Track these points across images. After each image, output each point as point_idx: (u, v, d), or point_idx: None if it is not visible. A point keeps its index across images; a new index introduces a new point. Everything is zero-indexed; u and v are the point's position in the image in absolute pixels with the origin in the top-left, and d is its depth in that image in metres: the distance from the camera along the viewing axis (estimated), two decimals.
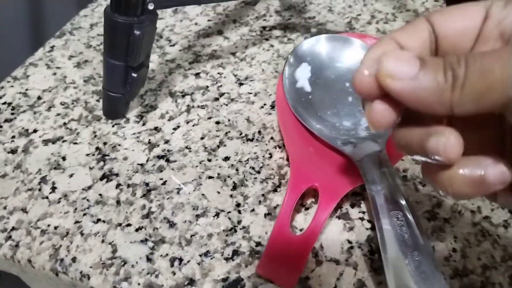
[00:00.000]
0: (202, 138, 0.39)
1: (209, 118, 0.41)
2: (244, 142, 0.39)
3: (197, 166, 0.37)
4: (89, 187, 0.36)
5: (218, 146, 0.38)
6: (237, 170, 0.36)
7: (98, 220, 0.33)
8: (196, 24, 0.53)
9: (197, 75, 0.46)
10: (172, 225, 0.33)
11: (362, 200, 0.34)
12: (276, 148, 0.38)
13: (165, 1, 0.37)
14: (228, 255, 0.31)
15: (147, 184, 0.35)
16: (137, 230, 0.33)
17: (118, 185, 0.36)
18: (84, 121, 0.41)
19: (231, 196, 0.35)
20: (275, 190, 0.35)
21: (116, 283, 0.30)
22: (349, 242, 0.32)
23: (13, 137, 0.40)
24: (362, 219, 0.33)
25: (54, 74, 0.47)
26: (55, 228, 0.33)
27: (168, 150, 0.38)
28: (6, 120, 0.42)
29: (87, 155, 0.38)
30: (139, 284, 0.30)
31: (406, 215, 0.29)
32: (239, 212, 0.33)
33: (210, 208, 0.34)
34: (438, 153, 0.18)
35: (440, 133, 0.18)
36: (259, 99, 0.43)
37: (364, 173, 0.32)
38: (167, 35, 0.52)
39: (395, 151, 0.33)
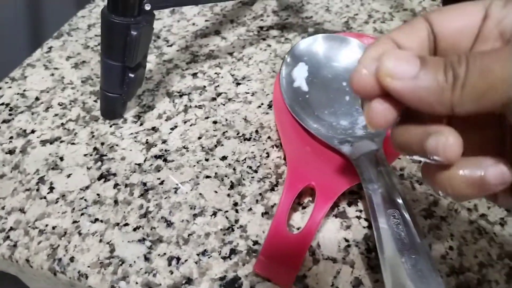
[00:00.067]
0: (199, 138, 0.39)
1: (207, 118, 0.41)
2: (241, 142, 0.39)
3: (194, 165, 0.37)
4: (87, 187, 0.36)
5: (216, 146, 0.38)
6: (234, 169, 0.36)
7: (96, 219, 0.33)
8: (193, 24, 0.54)
9: (194, 75, 0.46)
10: (169, 224, 0.33)
11: (359, 198, 0.34)
12: (273, 148, 0.38)
13: (162, 2, 0.37)
14: (226, 254, 0.31)
15: (144, 184, 0.36)
16: (134, 229, 0.33)
17: (115, 185, 0.36)
18: (82, 122, 0.41)
19: (228, 195, 0.35)
20: (272, 189, 0.35)
21: (114, 282, 0.30)
22: (346, 240, 0.32)
23: (11, 137, 0.40)
24: (359, 217, 0.33)
25: (52, 74, 0.47)
26: (53, 228, 0.33)
27: (165, 150, 0.38)
28: (4, 121, 0.42)
29: (85, 155, 0.38)
30: (137, 283, 0.30)
31: (403, 214, 0.30)
32: (237, 211, 0.34)
33: (208, 207, 0.34)
34: (437, 153, 0.17)
35: (440, 132, 0.17)
36: (256, 98, 0.43)
37: (361, 172, 0.33)
38: (164, 35, 0.52)
39: (392, 150, 0.34)
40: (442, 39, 0.20)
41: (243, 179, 0.36)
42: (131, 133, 0.40)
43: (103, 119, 0.41)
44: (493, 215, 0.33)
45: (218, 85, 0.45)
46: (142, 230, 0.33)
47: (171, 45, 0.50)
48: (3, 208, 0.34)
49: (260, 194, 0.35)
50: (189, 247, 0.31)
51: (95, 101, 0.43)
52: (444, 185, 0.19)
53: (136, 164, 0.37)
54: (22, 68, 0.48)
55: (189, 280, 0.30)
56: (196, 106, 0.42)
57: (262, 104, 0.42)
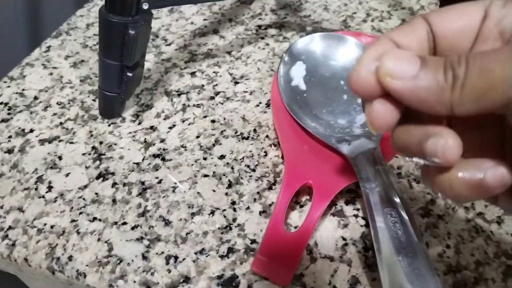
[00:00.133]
0: (197, 137, 0.39)
1: (205, 117, 0.41)
2: (239, 141, 0.39)
3: (192, 164, 0.37)
4: (85, 186, 0.36)
5: (214, 145, 0.39)
6: (232, 168, 0.37)
7: (94, 218, 0.33)
8: (192, 23, 0.54)
9: (192, 74, 0.46)
10: (167, 223, 0.33)
11: (357, 197, 0.34)
12: (271, 146, 0.38)
13: (160, 1, 0.37)
14: (223, 252, 0.31)
15: (142, 183, 0.36)
16: (133, 228, 0.33)
17: (114, 184, 0.36)
18: (80, 121, 0.41)
19: (226, 194, 0.35)
20: (270, 188, 0.35)
21: (112, 281, 0.30)
22: (344, 239, 0.32)
23: (10, 137, 0.40)
24: (356, 216, 0.33)
25: (51, 74, 0.47)
26: (52, 227, 0.33)
27: (163, 149, 0.38)
28: (3, 120, 0.42)
29: (83, 154, 0.38)
30: (134, 282, 0.30)
31: (400, 213, 0.30)
32: (234, 210, 0.34)
33: (206, 206, 0.34)
34: (436, 155, 0.17)
35: (439, 134, 0.17)
36: (255, 97, 0.43)
37: (358, 170, 0.33)
38: (163, 34, 0.52)
39: (389, 149, 0.34)
40: (441, 39, 0.20)
41: (241, 178, 0.36)
42: (130, 132, 0.40)
43: (102, 118, 0.41)
44: (490, 213, 0.33)
45: (217, 84, 0.45)
46: (140, 229, 0.33)
47: (169, 44, 0.50)
48: (1, 207, 0.35)
49: (258, 193, 0.35)
50: (187, 245, 0.32)
51: (94, 100, 0.43)
52: (443, 187, 0.19)
53: (134, 163, 0.37)
54: (21, 68, 0.48)
55: (187, 279, 0.30)
56: (194, 105, 0.42)
57: (260, 103, 0.42)
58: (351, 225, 0.33)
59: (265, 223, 0.33)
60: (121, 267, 0.31)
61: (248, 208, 0.34)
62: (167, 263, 0.31)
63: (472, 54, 0.17)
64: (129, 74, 0.37)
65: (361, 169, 0.33)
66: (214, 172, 0.36)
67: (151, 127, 0.40)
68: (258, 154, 0.38)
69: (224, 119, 0.41)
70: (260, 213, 0.33)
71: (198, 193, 0.35)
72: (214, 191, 0.35)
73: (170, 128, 0.40)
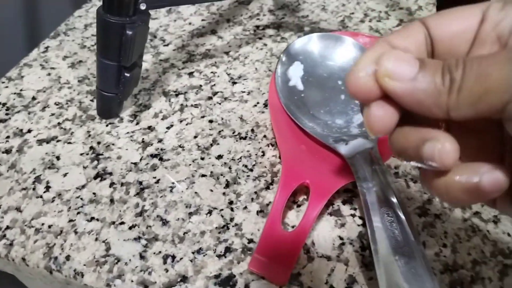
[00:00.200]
0: (195, 137, 0.39)
1: (203, 117, 0.41)
2: (237, 141, 0.39)
3: (190, 164, 0.37)
4: (83, 186, 0.36)
5: (211, 145, 0.39)
6: (230, 168, 0.37)
7: (92, 218, 0.34)
8: (190, 23, 0.54)
9: (190, 74, 0.46)
10: (165, 223, 0.33)
11: (354, 197, 0.34)
12: (268, 146, 0.38)
13: (157, 1, 0.37)
14: (221, 252, 0.31)
15: (140, 183, 0.36)
16: (130, 228, 0.33)
17: (111, 184, 0.36)
18: (78, 121, 0.41)
19: (223, 194, 0.35)
20: (267, 188, 0.35)
21: (109, 280, 0.30)
22: (341, 238, 0.32)
23: (8, 137, 0.40)
24: (353, 215, 0.33)
25: (49, 74, 0.47)
26: (49, 226, 0.33)
27: (161, 149, 0.38)
28: (1, 121, 0.42)
29: (81, 154, 0.38)
30: (132, 281, 0.30)
31: (397, 212, 0.30)
32: (232, 209, 0.34)
33: (203, 206, 0.34)
34: (433, 159, 0.17)
35: (436, 138, 0.17)
36: (252, 97, 0.43)
37: (355, 170, 0.33)
38: (161, 34, 0.52)
39: (386, 148, 0.34)
40: (439, 43, 0.20)
41: (239, 178, 0.36)
42: (127, 132, 0.40)
43: (100, 119, 0.41)
44: (487, 213, 0.33)
45: (214, 84, 0.45)
46: (138, 229, 0.33)
47: (167, 45, 0.50)
48: None
49: (255, 192, 0.35)
50: (185, 245, 0.32)
51: (92, 100, 0.43)
52: (440, 191, 0.19)
53: (132, 163, 0.37)
54: (19, 68, 0.48)
55: (184, 278, 0.30)
56: (192, 105, 0.42)
57: (258, 103, 0.42)
58: (348, 224, 0.33)
59: (263, 222, 0.33)
60: (118, 266, 0.31)
61: (245, 207, 0.34)
62: (165, 263, 0.31)
63: (470, 58, 0.17)
64: (127, 75, 0.37)
65: (358, 169, 0.33)
66: (211, 172, 0.36)
67: (149, 127, 0.40)
68: (256, 154, 0.38)
69: (222, 119, 0.41)
70: (258, 212, 0.33)
71: (195, 193, 0.35)
72: (211, 191, 0.35)
73: (168, 128, 0.40)
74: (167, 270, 0.30)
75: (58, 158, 0.38)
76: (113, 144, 0.39)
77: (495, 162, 0.18)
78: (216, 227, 0.33)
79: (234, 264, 0.30)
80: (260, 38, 0.51)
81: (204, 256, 0.31)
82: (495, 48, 0.19)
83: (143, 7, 0.35)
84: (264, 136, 0.39)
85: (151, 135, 0.40)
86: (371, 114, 0.18)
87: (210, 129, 0.40)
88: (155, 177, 0.36)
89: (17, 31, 0.70)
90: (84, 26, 0.54)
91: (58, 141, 0.40)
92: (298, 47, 0.42)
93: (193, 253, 0.31)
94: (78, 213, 0.34)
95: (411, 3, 0.55)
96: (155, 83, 0.45)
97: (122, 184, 0.36)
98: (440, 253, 0.31)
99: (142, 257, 0.31)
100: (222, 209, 0.34)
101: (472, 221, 0.32)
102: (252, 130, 0.40)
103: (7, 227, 0.33)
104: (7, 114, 0.42)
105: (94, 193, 0.35)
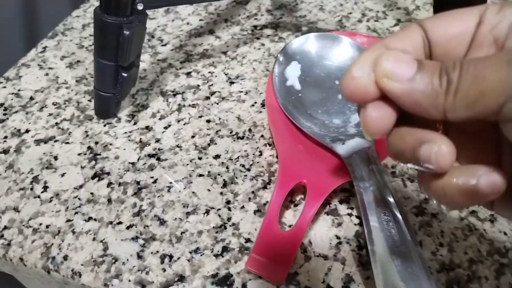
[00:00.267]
0: (193, 137, 0.39)
1: (200, 116, 0.41)
2: (234, 140, 0.39)
3: (187, 164, 0.37)
4: (81, 186, 0.36)
5: (209, 145, 0.39)
6: (227, 168, 0.37)
7: (90, 218, 0.34)
8: (187, 23, 0.54)
9: (188, 74, 0.46)
10: (162, 222, 0.33)
11: (351, 196, 0.34)
12: (266, 146, 0.38)
13: (155, 1, 0.37)
14: (218, 251, 0.31)
15: (138, 183, 0.36)
16: (128, 227, 0.33)
17: (109, 184, 0.36)
18: (76, 121, 0.41)
19: (221, 193, 0.35)
20: (264, 187, 0.35)
21: (107, 280, 0.30)
22: (338, 237, 0.32)
23: (5, 137, 0.40)
24: (350, 215, 0.33)
25: (47, 74, 0.47)
26: (47, 226, 0.33)
27: (159, 149, 0.38)
28: None
29: (79, 154, 0.38)
30: (129, 281, 0.30)
31: (394, 212, 0.30)
32: (229, 209, 0.34)
33: (200, 205, 0.34)
34: (430, 161, 0.17)
35: (432, 141, 0.17)
36: (250, 97, 0.43)
37: (352, 170, 0.33)
38: (158, 34, 0.52)
39: (383, 148, 0.34)
40: (436, 46, 0.20)
41: (236, 178, 0.36)
42: (125, 132, 0.40)
43: (97, 119, 0.41)
44: (483, 212, 0.33)
45: (212, 84, 0.45)
46: (135, 229, 0.33)
47: (165, 45, 0.50)
48: None
49: (253, 192, 0.35)
50: (182, 245, 0.32)
51: (90, 100, 0.43)
52: (438, 193, 0.19)
53: (129, 163, 0.37)
54: (17, 68, 0.48)
55: (181, 278, 0.30)
56: (189, 105, 0.42)
57: (255, 103, 0.42)
58: (345, 224, 0.33)
59: (260, 222, 0.33)
60: (116, 266, 0.31)
61: (242, 207, 0.34)
62: (162, 262, 0.31)
63: (466, 60, 0.17)
64: (124, 75, 0.37)
65: (355, 169, 0.33)
66: (209, 172, 0.36)
67: (147, 127, 0.41)
68: (253, 154, 0.38)
69: (220, 119, 0.41)
70: (255, 212, 0.34)
71: (193, 192, 0.35)
72: (209, 190, 0.35)
73: (166, 128, 0.40)
74: (164, 270, 0.30)
75: (56, 158, 0.38)
76: (110, 144, 0.39)
77: (493, 164, 0.18)
78: (213, 227, 0.33)
79: (231, 264, 0.31)
80: (258, 38, 0.51)
81: (201, 255, 0.31)
82: (492, 51, 0.19)
83: (140, 7, 0.35)
84: (262, 136, 0.39)
85: (149, 135, 0.40)
86: (367, 115, 0.18)
87: (207, 129, 0.40)
88: (152, 177, 0.36)
89: (15, 31, 0.70)
90: (82, 26, 0.54)
91: (56, 141, 0.40)
92: (295, 47, 0.42)
93: (190, 252, 0.31)
94: (76, 213, 0.34)
95: (408, 3, 0.55)
96: (152, 83, 0.45)
97: (119, 184, 0.36)
98: (436, 252, 0.31)
99: (139, 256, 0.31)
100: (219, 209, 0.34)
101: (469, 220, 0.33)
102: (250, 130, 0.40)
103: (5, 227, 0.33)
104: (5, 114, 0.42)
105: (91, 193, 0.35)
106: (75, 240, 0.32)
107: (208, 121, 0.41)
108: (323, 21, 0.53)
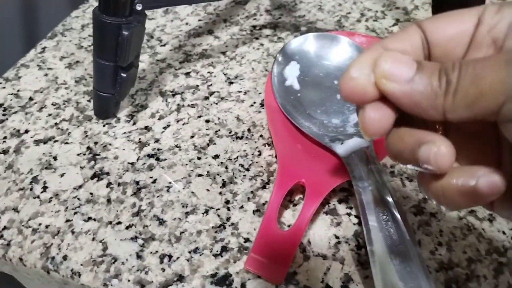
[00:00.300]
0: (192, 137, 0.39)
1: (199, 116, 0.41)
2: (233, 140, 0.39)
3: (187, 164, 0.37)
4: (80, 186, 0.36)
5: (208, 145, 0.39)
6: (226, 167, 0.37)
7: (89, 218, 0.34)
8: (186, 24, 0.54)
9: (187, 74, 0.46)
10: (161, 222, 0.33)
11: (350, 196, 0.35)
12: (265, 146, 0.38)
13: (153, 2, 0.37)
14: (217, 251, 0.31)
15: (137, 183, 0.36)
16: (127, 227, 0.33)
17: (108, 184, 0.36)
18: (75, 121, 0.41)
19: (220, 193, 0.35)
20: (264, 187, 0.35)
21: (106, 280, 0.30)
22: (336, 237, 0.32)
23: (5, 137, 0.40)
24: (349, 214, 0.33)
25: (46, 75, 0.47)
26: (46, 227, 0.33)
27: (158, 149, 0.38)
28: None
29: (78, 154, 0.38)
30: (129, 280, 0.30)
31: (392, 211, 0.30)
32: (228, 209, 0.34)
33: (200, 205, 0.34)
34: (429, 162, 0.17)
35: (431, 142, 0.17)
36: (249, 97, 0.43)
37: (351, 169, 0.33)
38: (158, 35, 0.52)
39: (382, 148, 0.34)
40: (435, 47, 0.20)
41: (235, 177, 0.36)
42: (124, 132, 0.40)
43: (97, 119, 0.42)
44: (482, 211, 0.33)
45: (211, 84, 0.45)
46: (135, 229, 0.33)
47: (164, 45, 0.50)
48: None
49: (252, 192, 0.35)
50: (181, 244, 0.32)
51: (89, 101, 0.44)
52: (437, 194, 0.19)
53: (129, 163, 0.37)
54: (16, 69, 0.48)
55: (180, 277, 0.30)
56: (189, 105, 0.43)
57: (254, 103, 0.43)
58: (344, 223, 0.33)
59: (259, 222, 0.33)
60: (115, 266, 0.31)
61: (242, 207, 0.34)
62: (161, 262, 0.31)
63: (466, 61, 0.17)
64: (123, 75, 0.37)
65: (354, 168, 0.33)
66: (208, 172, 0.37)
67: (146, 127, 0.41)
68: (252, 154, 0.38)
69: (219, 119, 0.41)
70: (254, 212, 0.34)
71: (192, 192, 0.35)
72: (208, 190, 0.35)
73: (165, 128, 0.40)
74: (163, 270, 0.30)
75: (55, 158, 0.38)
76: (110, 144, 0.39)
77: (492, 165, 0.18)
78: (212, 227, 0.33)
79: (231, 263, 0.31)
80: (257, 38, 0.51)
81: (200, 255, 0.31)
82: (491, 51, 0.19)
83: (139, 7, 0.35)
84: (261, 135, 0.39)
85: (148, 135, 0.40)
86: (366, 116, 0.19)
87: (206, 129, 0.40)
88: (152, 177, 0.36)
89: (14, 32, 0.70)
90: (81, 27, 0.54)
91: (55, 141, 0.40)
92: (294, 47, 0.42)
93: (189, 252, 0.31)
94: (75, 213, 0.34)
95: (407, 2, 0.56)
96: (152, 83, 0.45)
97: (119, 184, 0.36)
98: (435, 252, 0.31)
99: (139, 256, 0.31)
100: (218, 209, 0.34)
101: (468, 220, 0.33)
102: (249, 130, 0.40)
103: (4, 228, 0.33)
104: (4, 114, 0.43)
105: (91, 193, 0.35)
106: (74, 240, 0.32)
107: (207, 121, 0.41)
108: (322, 21, 0.53)
